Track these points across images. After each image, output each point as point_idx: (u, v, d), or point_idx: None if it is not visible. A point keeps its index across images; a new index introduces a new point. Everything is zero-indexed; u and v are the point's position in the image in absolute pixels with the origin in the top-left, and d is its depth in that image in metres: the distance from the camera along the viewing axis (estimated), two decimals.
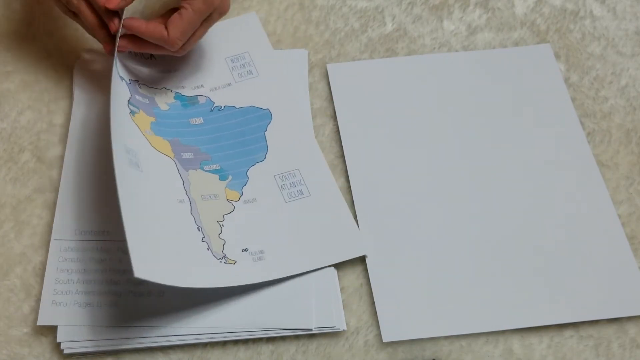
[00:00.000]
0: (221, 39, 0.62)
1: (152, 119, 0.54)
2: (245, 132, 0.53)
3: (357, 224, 0.55)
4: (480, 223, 0.57)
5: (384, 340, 0.52)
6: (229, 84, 0.58)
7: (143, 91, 0.55)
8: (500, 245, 0.56)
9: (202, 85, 0.58)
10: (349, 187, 0.59)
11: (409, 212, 0.57)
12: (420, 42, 0.67)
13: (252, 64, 0.61)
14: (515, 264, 0.55)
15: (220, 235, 0.50)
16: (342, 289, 0.55)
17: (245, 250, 0.50)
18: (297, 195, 0.54)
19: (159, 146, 0.52)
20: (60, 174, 0.58)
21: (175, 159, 0.52)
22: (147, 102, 0.54)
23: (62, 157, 0.59)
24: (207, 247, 0.49)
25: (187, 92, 0.55)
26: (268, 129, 0.53)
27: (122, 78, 0.53)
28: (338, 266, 0.55)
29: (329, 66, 0.65)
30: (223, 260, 0.49)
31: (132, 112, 0.52)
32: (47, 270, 0.53)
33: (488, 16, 0.69)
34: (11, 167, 0.59)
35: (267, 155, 0.53)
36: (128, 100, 0.53)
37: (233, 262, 0.50)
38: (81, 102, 0.61)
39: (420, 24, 0.68)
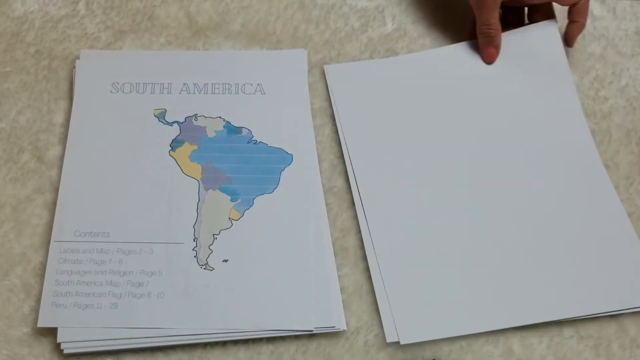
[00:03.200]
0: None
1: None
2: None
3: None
4: (481, 222, 0.57)
5: (387, 341, 0.52)
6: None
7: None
8: (502, 245, 0.56)
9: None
10: (349, 187, 0.59)
11: (410, 214, 0.58)
12: (420, 42, 0.67)
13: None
14: (518, 263, 0.55)
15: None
16: (342, 289, 0.55)
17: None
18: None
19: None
20: (60, 174, 0.58)
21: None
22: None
23: (61, 157, 0.59)
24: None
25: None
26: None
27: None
28: (338, 266, 0.55)
29: (326, 67, 0.65)
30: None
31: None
32: (47, 271, 0.53)
33: None
34: (11, 167, 0.59)
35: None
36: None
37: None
38: (81, 102, 0.62)
39: (421, 24, 0.68)
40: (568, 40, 0.65)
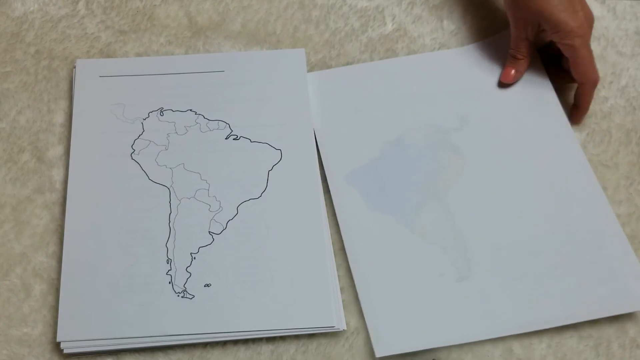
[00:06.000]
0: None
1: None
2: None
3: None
4: (473, 226, 0.56)
5: (377, 356, 0.51)
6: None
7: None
8: (495, 249, 0.55)
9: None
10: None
11: (397, 218, 0.57)
12: (420, 42, 0.67)
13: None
14: (511, 268, 0.55)
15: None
16: (342, 289, 0.55)
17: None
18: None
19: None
20: (59, 174, 0.58)
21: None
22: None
23: (61, 157, 0.59)
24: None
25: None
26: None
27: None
28: (338, 266, 0.55)
29: (309, 75, 0.63)
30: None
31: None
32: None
33: (489, 16, 0.68)
34: (11, 167, 0.59)
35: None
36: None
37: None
38: (82, 102, 0.61)
39: (421, 24, 0.68)
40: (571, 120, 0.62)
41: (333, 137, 0.60)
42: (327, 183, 0.58)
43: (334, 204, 0.57)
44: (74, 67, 0.63)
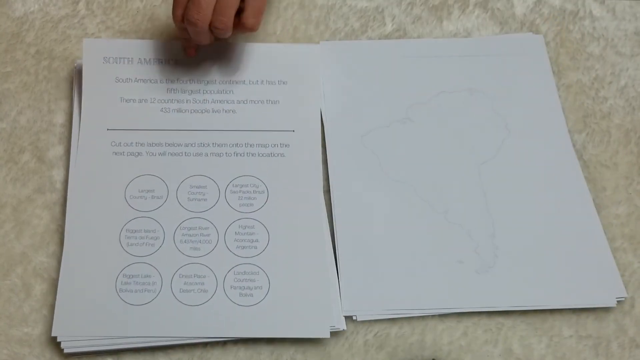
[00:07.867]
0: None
1: None
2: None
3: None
4: (458, 210, 0.57)
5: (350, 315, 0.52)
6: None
7: None
8: (478, 233, 0.57)
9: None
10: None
11: (384, 195, 0.58)
12: None
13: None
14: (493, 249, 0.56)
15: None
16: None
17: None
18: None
19: None
20: (60, 174, 0.59)
21: None
22: None
23: (62, 157, 0.60)
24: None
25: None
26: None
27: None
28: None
29: (324, 43, 0.65)
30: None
31: None
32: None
33: (488, 16, 0.69)
34: (11, 167, 0.59)
35: None
36: None
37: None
38: (84, 101, 0.60)
39: (420, 24, 0.68)
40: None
41: (360, 96, 0.63)
42: (327, 183, 0.59)
43: (328, 170, 0.59)
44: (74, 66, 0.63)
